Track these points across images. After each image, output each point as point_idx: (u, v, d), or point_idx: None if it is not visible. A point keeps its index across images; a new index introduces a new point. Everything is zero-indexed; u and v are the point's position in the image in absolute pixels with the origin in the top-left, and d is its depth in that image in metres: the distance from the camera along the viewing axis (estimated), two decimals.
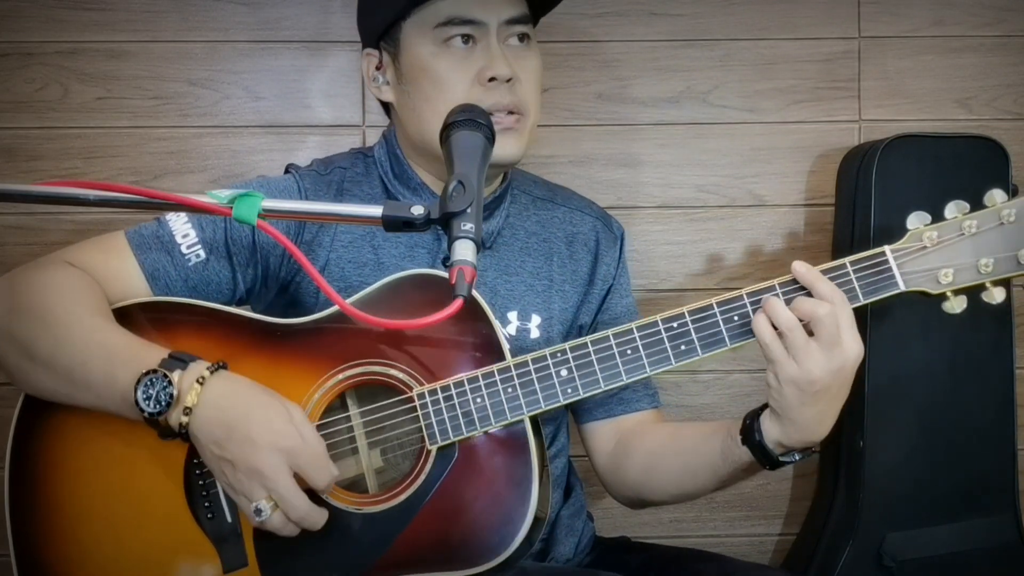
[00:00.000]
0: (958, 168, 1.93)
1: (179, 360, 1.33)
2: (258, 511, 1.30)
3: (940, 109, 2.08)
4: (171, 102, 2.03)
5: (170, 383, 1.30)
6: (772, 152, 2.08)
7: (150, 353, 1.35)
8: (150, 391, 1.31)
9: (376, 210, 1.24)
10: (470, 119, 1.36)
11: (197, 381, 1.32)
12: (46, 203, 1.23)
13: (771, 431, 1.36)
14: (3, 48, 2.00)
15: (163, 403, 1.31)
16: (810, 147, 2.09)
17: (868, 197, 1.91)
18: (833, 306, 1.30)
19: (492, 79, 1.48)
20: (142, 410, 1.31)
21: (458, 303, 1.17)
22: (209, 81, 2.03)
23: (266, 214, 1.23)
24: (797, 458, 1.38)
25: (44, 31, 2.00)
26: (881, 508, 1.94)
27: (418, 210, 1.23)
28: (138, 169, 2.02)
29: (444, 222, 1.22)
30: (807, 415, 1.33)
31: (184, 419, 1.31)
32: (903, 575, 1.92)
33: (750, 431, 1.38)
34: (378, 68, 1.60)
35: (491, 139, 1.37)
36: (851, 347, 1.31)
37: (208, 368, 1.34)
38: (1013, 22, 2.08)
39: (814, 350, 1.30)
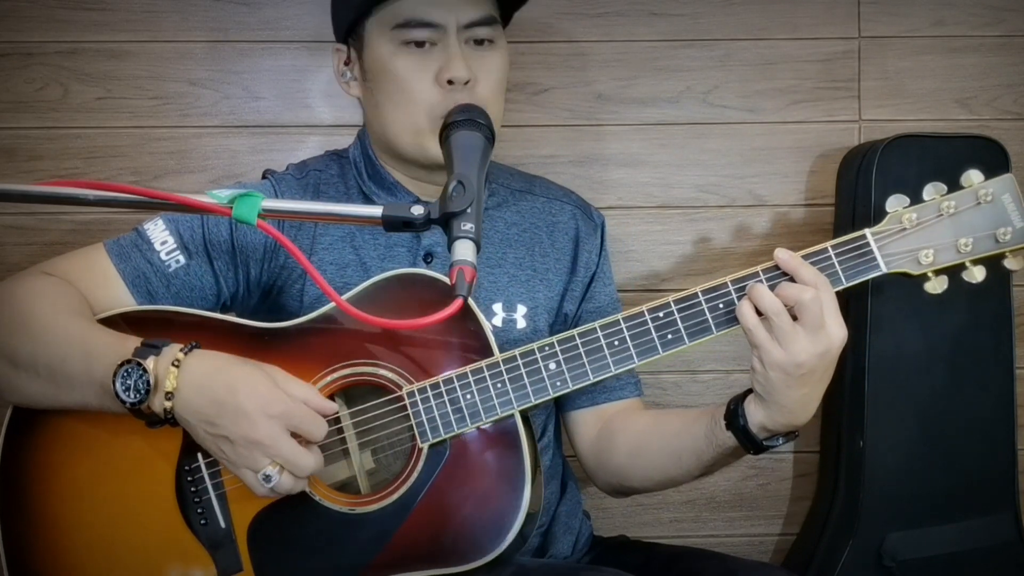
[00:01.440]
0: (958, 168, 1.92)
1: (152, 347, 1.34)
2: (267, 478, 1.31)
3: (940, 109, 2.08)
4: (171, 102, 2.03)
5: (145, 371, 1.31)
6: (772, 152, 2.08)
7: (125, 344, 1.35)
8: (128, 381, 1.31)
9: (376, 210, 1.25)
10: (470, 119, 1.37)
11: (173, 364, 1.32)
12: (46, 203, 1.23)
13: (755, 415, 1.37)
14: (3, 48, 2.00)
15: (142, 391, 1.31)
16: (810, 147, 2.09)
17: (868, 197, 1.91)
18: (817, 291, 1.32)
19: (450, 81, 1.48)
20: (123, 401, 1.31)
21: (458, 303, 1.17)
22: (209, 81, 2.03)
23: (266, 214, 1.23)
24: (780, 442, 1.39)
25: (44, 31, 2.00)
26: (881, 508, 1.94)
27: (418, 210, 1.23)
28: (138, 169, 2.02)
29: (444, 222, 1.23)
30: (792, 398, 1.34)
31: (167, 404, 1.32)
32: (903, 575, 1.93)
33: (734, 415, 1.39)
34: (347, 64, 1.61)
35: (491, 139, 1.38)
36: (835, 331, 1.32)
37: (182, 350, 1.34)
38: (1013, 22, 2.08)
39: (800, 334, 1.31)
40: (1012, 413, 1.97)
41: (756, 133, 2.08)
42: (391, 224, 1.24)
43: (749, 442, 1.39)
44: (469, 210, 1.22)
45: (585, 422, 1.65)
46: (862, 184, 1.93)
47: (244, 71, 2.04)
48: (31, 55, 2.00)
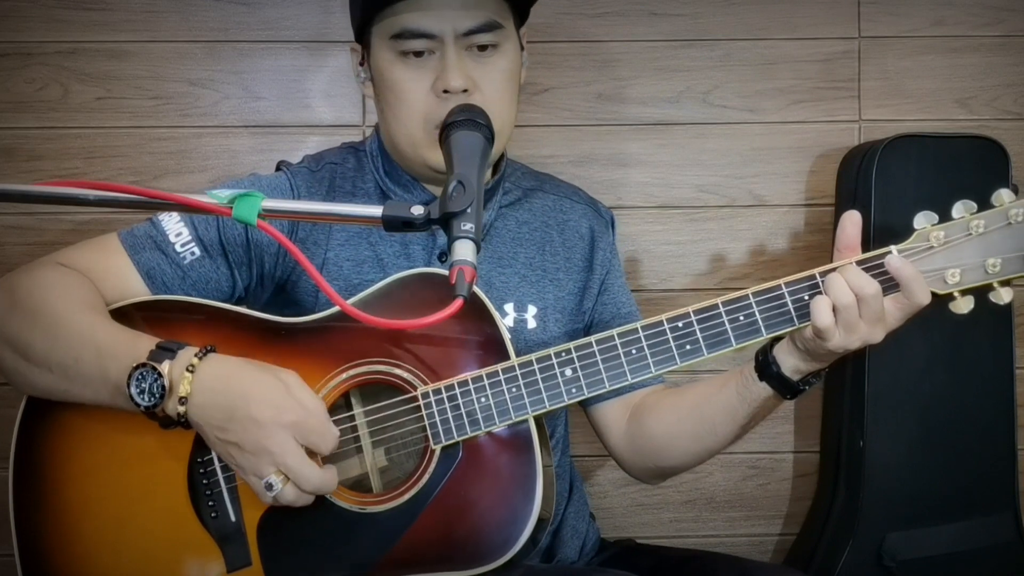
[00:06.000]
0: (958, 168, 1.93)
1: (167, 350, 1.33)
2: (269, 486, 1.30)
3: (940, 109, 2.08)
4: (171, 102, 2.03)
5: (160, 375, 1.31)
6: (772, 152, 2.08)
7: (139, 345, 1.35)
8: (142, 384, 1.31)
9: (376, 210, 1.24)
10: (470, 119, 1.37)
11: (187, 369, 1.32)
12: (46, 203, 1.23)
13: (787, 360, 1.40)
14: (3, 48, 2.00)
15: (156, 395, 1.31)
16: (810, 147, 2.09)
17: (868, 197, 1.91)
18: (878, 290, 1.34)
19: (446, 91, 1.47)
20: (137, 404, 1.31)
21: (458, 303, 1.17)
22: (209, 81, 2.03)
23: (266, 214, 1.23)
24: (814, 382, 1.42)
25: (44, 31, 2.00)
26: (881, 508, 1.94)
27: (418, 210, 1.23)
28: (138, 169, 2.02)
29: (444, 222, 1.22)
30: (834, 355, 1.38)
31: (181, 408, 1.32)
32: (903, 575, 1.93)
33: (765, 365, 1.41)
34: (361, 64, 1.60)
35: (490, 139, 1.38)
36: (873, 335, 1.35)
37: (196, 355, 1.33)
38: (1013, 22, 2.08)
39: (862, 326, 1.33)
40: (1012, 413, 1.97)
41: (756, 133, 2.08)
42: (391, 224, 1.24)
43: (785, 387, 1.41)
44: (469, 210, 1.21)
45: (614, 413, 1.63)
46: (862, 184, 1.93)
47: (244, 71, 2.04)
48: (31, 55, 2.00)
